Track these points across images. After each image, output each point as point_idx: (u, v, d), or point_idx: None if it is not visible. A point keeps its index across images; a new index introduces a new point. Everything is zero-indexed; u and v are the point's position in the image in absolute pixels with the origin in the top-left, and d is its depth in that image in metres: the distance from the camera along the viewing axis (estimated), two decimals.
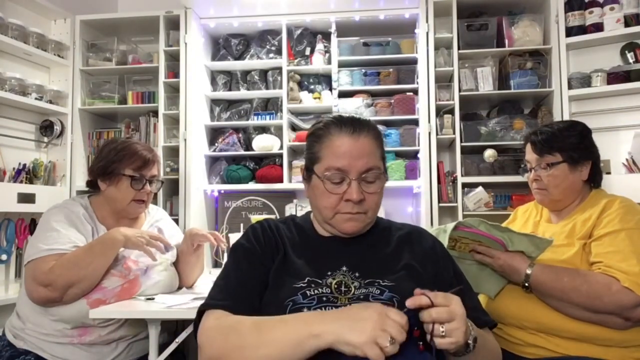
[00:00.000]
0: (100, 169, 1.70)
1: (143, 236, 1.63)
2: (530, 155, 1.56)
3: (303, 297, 0.98)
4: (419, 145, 2.71)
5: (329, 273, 1.03)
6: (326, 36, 2.88)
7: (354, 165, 1.02)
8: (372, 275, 1.03)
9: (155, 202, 2.07)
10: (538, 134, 1.54)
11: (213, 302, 0.99)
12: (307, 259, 1.07)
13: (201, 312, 1.00)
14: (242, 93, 2.97)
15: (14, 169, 2.48)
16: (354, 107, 2.82)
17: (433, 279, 1.07)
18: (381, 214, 1.25)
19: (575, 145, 1.49)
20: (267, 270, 1.05)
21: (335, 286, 1.00)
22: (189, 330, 1.55)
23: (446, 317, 0.84)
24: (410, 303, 0.84)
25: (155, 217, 1.88)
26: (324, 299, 0.98)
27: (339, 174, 1.03)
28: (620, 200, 1.43)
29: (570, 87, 2.52)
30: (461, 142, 2.60)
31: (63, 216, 1.63)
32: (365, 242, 1.11)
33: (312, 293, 0.99)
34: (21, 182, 2.46)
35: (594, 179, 1.53)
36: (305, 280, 1.01)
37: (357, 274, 1.04)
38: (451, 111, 2.63)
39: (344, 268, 1.04)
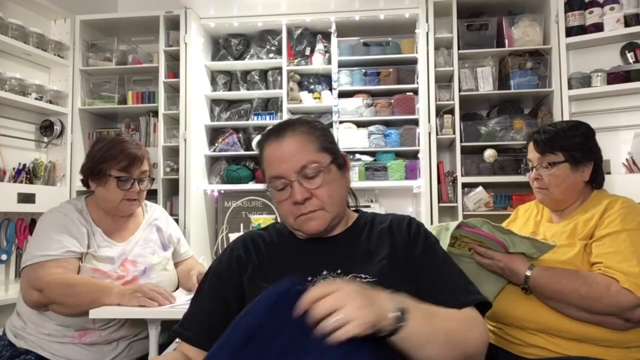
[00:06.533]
0: (89, 170, 1.69)
1: (141, 290, 1.54)
2: (532, 153, 1.55)
3: None
4: (419, 145, 2.71)
5: (310, 279, 1.02)
6: (326, 36, 2.88)
7: (286, 168, 1.02)
8: (354, 270, 1.02)
9: (155, 202, 2.07)
10: (541, 132, 1.53)
11: (179, 329, 1.08)
12: (287, 264, 1.07)
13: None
14: (242, 93, 2.97)
15: (14, 169, 2.48)
16: (354, 107, 2.82)
17: (410, 262, 1.05)
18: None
19: (577, 146, 1.48)
20: (231, 289, 1.06)
21: None
22: None
23: (329, 307, 0.72)
24: (295, 314, 0.75)
25: (153, 216, 1.87)
26: None
27: (280, 181, 1.03)
28: (622, 201, 1.43)
29: (570, 87, 2.52)
30: (461, 142, 2.60)
31: (57, 221, 1.63)
32: (346, 239, 1.10)
33: None
34: (21, 182, 2.47)
35: (596, 180, 1.52)
36: None
37: (339, 271, 1.03)
38: (451, 111, 2.63)
39: (324, 272, 1.03)
